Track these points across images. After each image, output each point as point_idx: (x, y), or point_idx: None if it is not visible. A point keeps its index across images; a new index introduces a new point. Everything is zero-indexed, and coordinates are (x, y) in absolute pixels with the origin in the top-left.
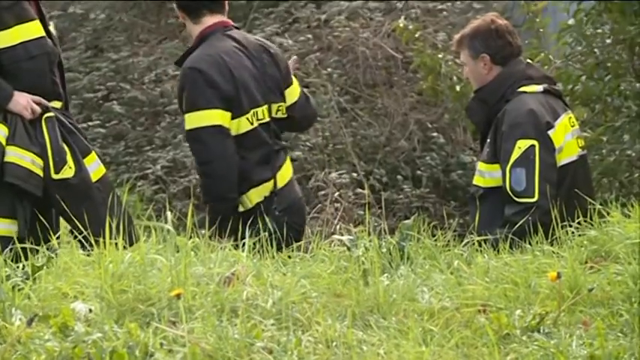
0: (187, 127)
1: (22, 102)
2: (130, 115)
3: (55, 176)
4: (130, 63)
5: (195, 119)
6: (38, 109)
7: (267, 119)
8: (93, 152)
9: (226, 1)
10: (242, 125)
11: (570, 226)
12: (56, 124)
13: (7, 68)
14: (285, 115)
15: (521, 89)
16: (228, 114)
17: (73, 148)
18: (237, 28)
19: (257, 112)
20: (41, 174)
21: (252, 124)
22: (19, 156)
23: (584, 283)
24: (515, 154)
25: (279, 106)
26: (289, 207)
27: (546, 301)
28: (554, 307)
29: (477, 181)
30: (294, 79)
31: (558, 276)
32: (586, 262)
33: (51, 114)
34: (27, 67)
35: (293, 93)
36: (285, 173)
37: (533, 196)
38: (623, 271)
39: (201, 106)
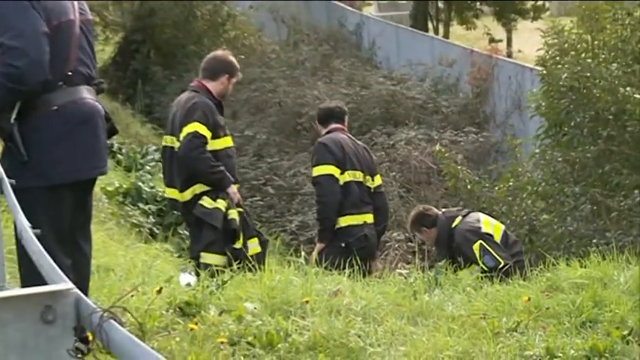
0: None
1: (234, 190)
2: (277, 194)
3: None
4: (279, 164)
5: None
6: (236, 200)
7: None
8: (256, 237)
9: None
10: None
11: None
12: (242, 216)
13: (220, 161)
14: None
15: (453, 225)
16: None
17: (245, 232)
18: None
19: (355, 173)
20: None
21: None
22: (235, 216)
23: (544, 304)
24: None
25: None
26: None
27: (521, 314)
28: (525, 317)
29: None
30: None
31: (528, 299)
32: (544, 292)
33: (241, 209)
34: (227, 162)
35: (378, 179)
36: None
37: None
38: (566, 298)
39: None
